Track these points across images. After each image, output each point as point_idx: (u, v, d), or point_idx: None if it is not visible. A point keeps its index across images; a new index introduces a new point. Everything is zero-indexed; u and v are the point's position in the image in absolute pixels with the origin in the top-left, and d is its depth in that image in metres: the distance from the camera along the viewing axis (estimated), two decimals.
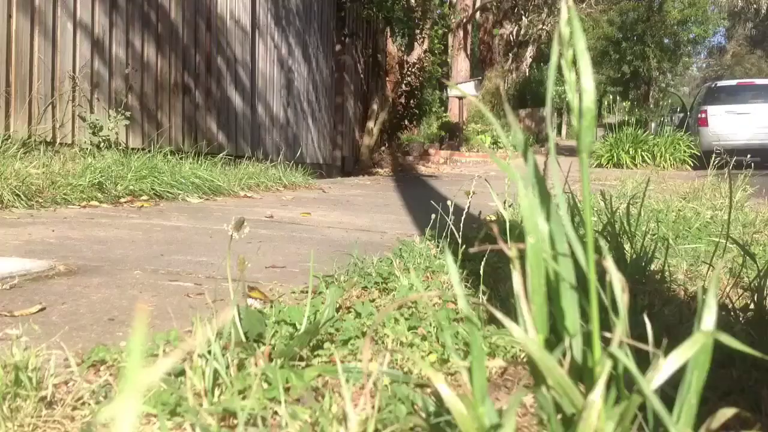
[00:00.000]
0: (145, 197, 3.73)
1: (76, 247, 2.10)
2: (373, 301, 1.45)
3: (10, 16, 3.91)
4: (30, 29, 4.08)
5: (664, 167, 10.86)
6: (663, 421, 0.52)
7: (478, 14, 17.29)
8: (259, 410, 0.80)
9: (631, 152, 11.33)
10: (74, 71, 4.42)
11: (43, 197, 3.17)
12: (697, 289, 1.38)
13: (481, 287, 1.43)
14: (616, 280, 0.55)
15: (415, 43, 9.73)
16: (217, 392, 0.87)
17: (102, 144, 4.39)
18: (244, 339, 1.01)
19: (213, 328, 0.88)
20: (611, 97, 16.79)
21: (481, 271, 1.39)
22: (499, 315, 0.56)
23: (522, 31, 20.56)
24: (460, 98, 13.50)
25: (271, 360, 0.98)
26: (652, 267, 1.57)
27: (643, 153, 11.32)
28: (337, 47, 8.86)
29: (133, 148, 4.71)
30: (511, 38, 20.41)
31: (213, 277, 1.77)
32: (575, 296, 0.58)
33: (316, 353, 1.05)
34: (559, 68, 0.55)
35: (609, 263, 0.55)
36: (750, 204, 3.73)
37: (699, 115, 12.88)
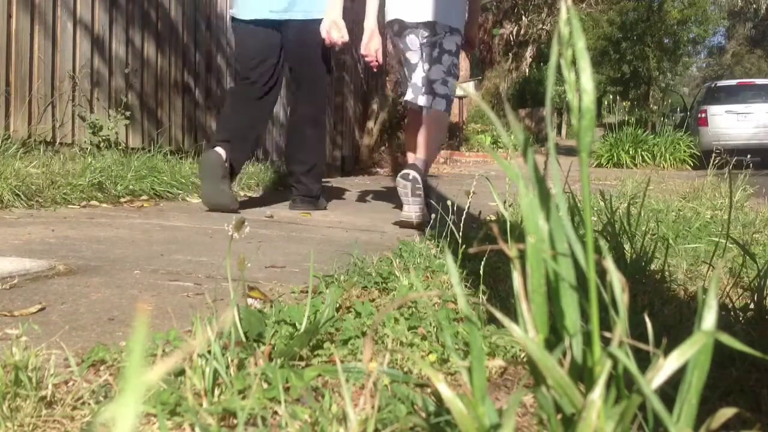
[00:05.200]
0: (145, 197, 3.73)
1: (76, 247, 2.10)
2: (373, 300, 1.45)
3: (10, 16, 3.91)
4: (30, 28, 4.08)
5: (664, 167, 10.86)
6: (663, 421, 0.52)
7: None
8: (259, 410, 0.80)
9: (631, 152, 11.34)
10: (74, 70, 4.42)
11: (42, 197, 3.17)
12: (697, 289, 1.38)
13: (481, 287, 1.43)
14: (616, 279, 0.56)
15: None
16: (217, 392, 0.87)
17: (102, 144, 4.39)
18: (244, 339, 1.01)
19: (213, 328, 0.88)
20: (611, 97, 16.81)
21: (481, 271, 1.39)
22: (499, 315, 0.56)
23: (522, 31, 20.55)
24: (460, 98, 13.48)
25: (271, 360, 0.98)
26: (652, 267, 1.57)
27: (643, 153, 11.33)
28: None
29: (133, 148, 4.71)
30: (511, 38, 20.41)
31: (213, 276, 1.77)
32: (575, 296, 0.58)
33: (316, 353, 1.05)
34: (559, 68, 0.55)
35: (609, 263, 0.55)
36: (750, 204, 3.73)
37: (699, 115, 12.89)
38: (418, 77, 3.25)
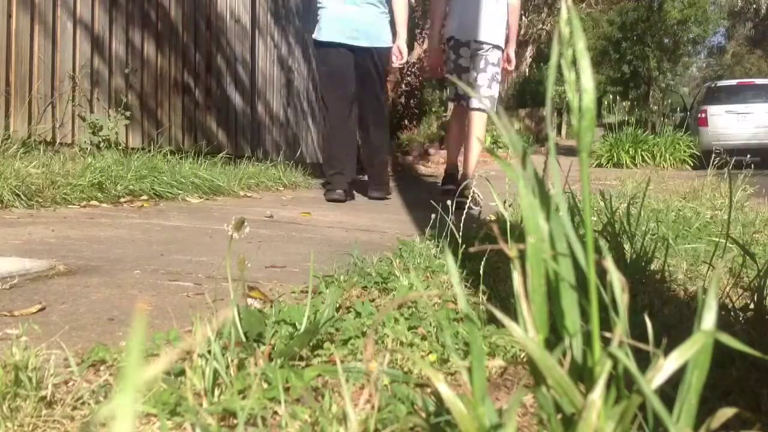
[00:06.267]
0: (145, 197, 3.73)
1: (76, 247, 2.10)
2: (373, 300, 1.45)
3: (9, 16, 3.91)
4: (30, 28, 4.08)
5: (664, 167, 10.86)
6: (663, 421, 0.52)
7: None
8: (259, 410, 0.80)
9: (631, 152, 11.34)
10: (74, 70, 4.42)
11: (42, 197, 3.17)
12: (697, 289, 1.38)
13: (481, 287, 1.43)
14: (616, 279, 0.56)
15: (415, 43, 9.72)
16: (217, 392, 0.87)
17: (102, 144, 4.39)
18: (244, 339, 1.01)
19: (213, 327, 0.88)
20: (611, 97, 16.79)
21: (481, 271, 1.39)
22: (499, 314, 0.56)
23: (522, 31, 20.53)
24: None
25: (271, 360, 0.98)
26: (652, 267, 1.57)
27: (643, 153, 11.33)
28: None
29: (132, 148, 4.71)
30: None
31: (213, 276, 1.77)
32: (575, 296, 0.58)
33: (316, 353, 1.05)
34: (559, 68, 0.55)
35: (609, 263, 0.55)
36: (750, 204, 3.73)
37: (699, 115, 12.88)
38: (467, 80, 4.20)
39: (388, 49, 4.43)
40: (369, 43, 4.29)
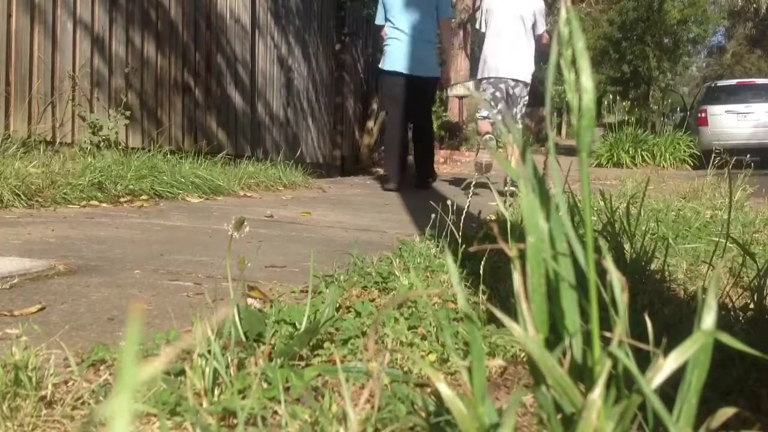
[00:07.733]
0: (145, 197, 3.73)
1: (76, 247, 2.10)
2: (372, 300, 1.45)
3: (9, 15, 3.91)
4: (30, 28, 4.08)
5: (663, 167, 10.85)
6: (663, 421, 0.52)
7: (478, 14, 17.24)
8: (258, 410, 0.80)
9: (630, 152, 11.33)
10: (74, 70, 4.42)
11: (42, 197, 3.17)
12: (697, 289, 1.38)
13: (481, 287, 1.43)
14: (616, 279, 0.55)
15: None
16: (216, 392, 0.87)
17: (102, 143, 4.39)
18: (243, 338, 1.01)
19: (213, 327, 0.88)
20: (611, 96, 16.77)
21: (481, 271, 1.39)
22: (499, 314, 0.56)
23: None
24: (461, 98, 13.48)
25: (270, 359, 0.98)
26: (652, 266, 1.57)
27: (643, 153, 11.32)
28: (337, 46, 8.85)
29: (132, 148, 4.71)
30: None
31: (213, 276, 1.77)
32: (575, 296, 0.58)
33: (316, 353, 1.05)
34: (559, 68, 0.55)
35: (609, 263, 0.55)
36: (750, 204, 3.73)
37: (699, 115, 12.88)
38: (501, 109, 5.41)
39: (437, 78, 5.71)
40: (421, 73, 5.51)
